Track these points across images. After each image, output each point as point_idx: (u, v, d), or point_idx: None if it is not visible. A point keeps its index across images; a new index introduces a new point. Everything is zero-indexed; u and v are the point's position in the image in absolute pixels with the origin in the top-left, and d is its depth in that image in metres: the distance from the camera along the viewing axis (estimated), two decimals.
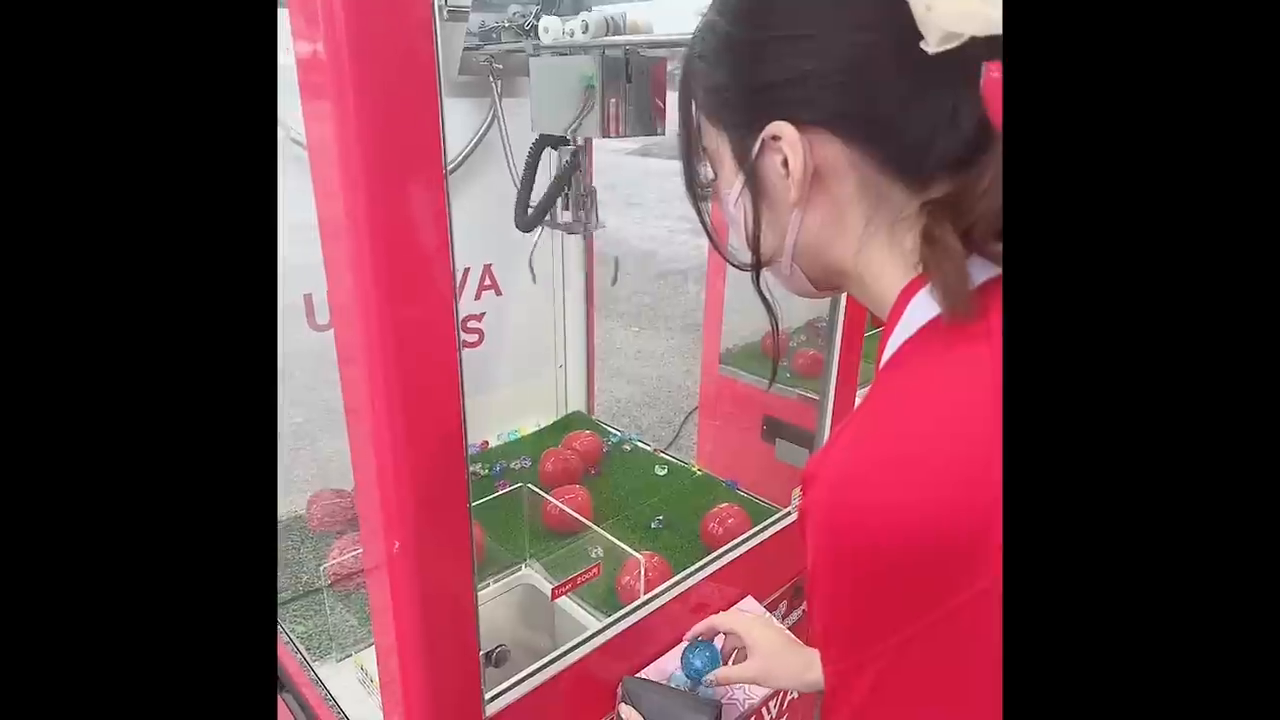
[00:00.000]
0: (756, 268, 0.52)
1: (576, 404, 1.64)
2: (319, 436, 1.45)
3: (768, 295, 0.54)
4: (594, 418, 1.64)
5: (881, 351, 0.45)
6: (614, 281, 1.12)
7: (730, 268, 1.69)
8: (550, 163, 1.05)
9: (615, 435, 1.50)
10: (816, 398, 1.30)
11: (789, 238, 0.48)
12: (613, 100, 0.88)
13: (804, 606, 1.19)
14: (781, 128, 0.44)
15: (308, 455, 1.50)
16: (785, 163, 0.45)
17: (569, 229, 1.03)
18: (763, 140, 0.45)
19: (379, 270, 0.55)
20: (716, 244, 0.58)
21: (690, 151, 0.52)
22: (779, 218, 0.48)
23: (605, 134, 0.88)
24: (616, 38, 0.86)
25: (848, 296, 1.09)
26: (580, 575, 0.88)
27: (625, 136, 0.91)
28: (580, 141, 0.97)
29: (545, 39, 0.89)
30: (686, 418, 3.11)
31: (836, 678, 0.44)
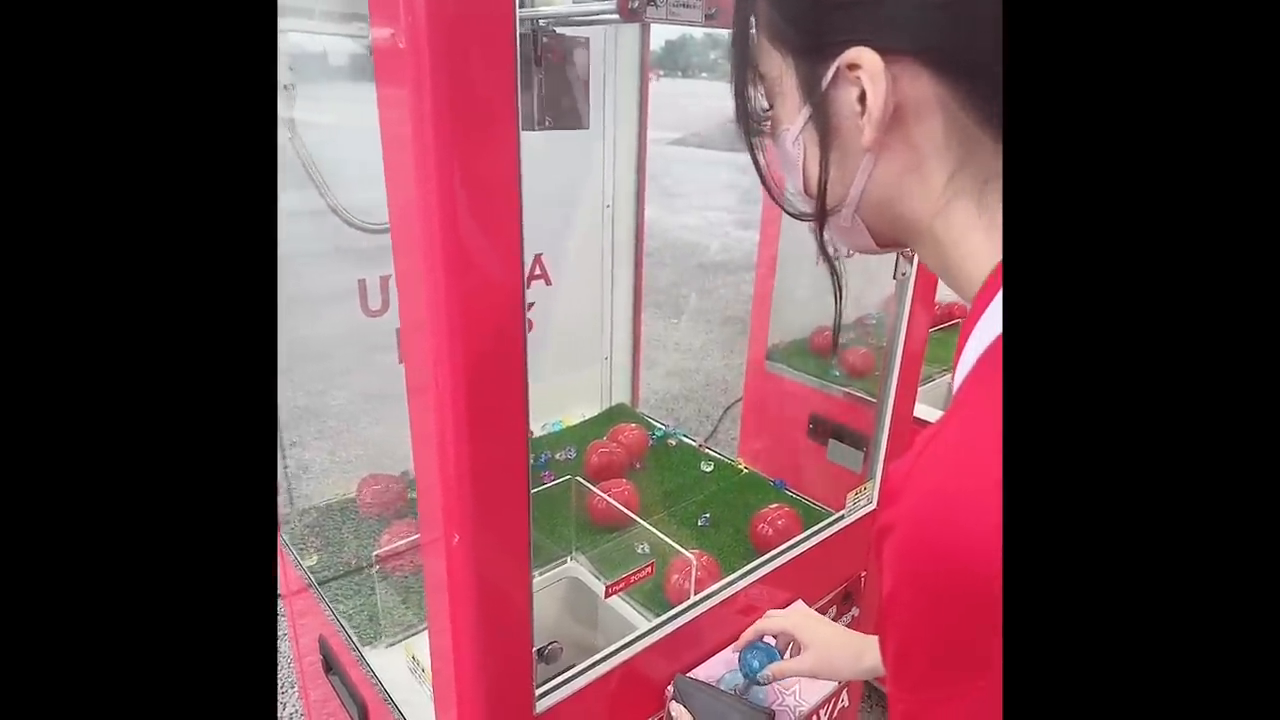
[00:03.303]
0: (820, 218, 0.45)
1: (621, 396, 1.63)
2: (359, 419, 1.47)
3: (833, 256, 0.47)
4: (638, 410, 1.63)
5: (966, 336, 0.40)
6: None
7: (778, 263, 1.66)
8: None
9: (660, 429, 1.48)
10: (866, 397, 1.27)
11: (856, 185, 0.43)
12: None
13: (853, 612, 1.16)
14: (862, 55, 0.38)
15: (349, 438, 1.52)
16: (862, 97, 0.39)
17: None
18: (837, 69, 0.40)
19: (450, 256, 0.53)
20: (771, 189, 0.51)
21: (743, 77, 0.45)
22: (847, 161, 0.42)
23: None
24: (521, 11, 0.72)
25: (913, 290, 1.06)
26: (633, 574, 0.87)
27: (539, 130, 0.74)
28: None
29: None
30: (725, 412, 3.09)
31: (908, 709, 0.39)
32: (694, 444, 1.45)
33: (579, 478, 1.13)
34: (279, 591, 1.29)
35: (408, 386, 0.63)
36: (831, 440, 1.29)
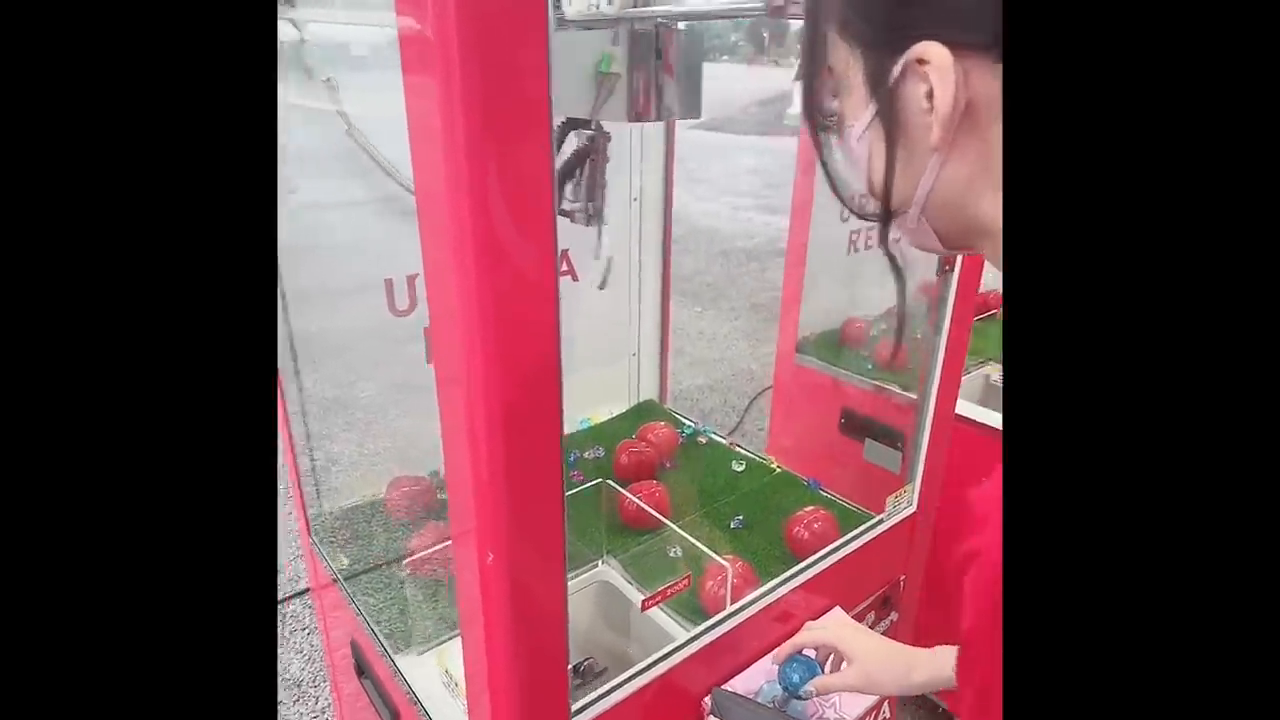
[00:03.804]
0: (885, 219, 0.43)
1: (649, 392, 1.60)
2: (387, 410, 1.46)
3: (898, 257, 0.45)
4: (666, 407, 1.60)
5: None
6: (601, 285, 1.00)
7: (805, 252, 1.61)
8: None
9: (689, 427, 1.45)
10: (900, 391, 1.22)
11: (923, 186, 0.41)
12: (641, 80, 0.76)
13: (891, 617, 1.13)
14: (930, 49, 0.36)
15: (379, 429, 1.51)
16: (930, 94, 0.37)
17: (570, 216, 0.90)
18: (905, 64, 0.37)
19: (481, 245, 0.50)
20: (836, 188, 0.49)
21: (813, 69, 0.44)
22: (914, 160, 0.40)
23: (632, 118, 0.78)
24: (645, 9, 0.76)
25: (960, 277, 1.01)
26: (670, 587, 0.84)
27: (658, 120, 0.79)
28: (603, 127, 0.84)
29: (569, 11, 0.79)
30: (751, 402, 3.05)
31: None
32: (724, 441, 1.41)
33: (609, 480, 1.11)
34: (309, 587, 1.29)
35: (438, 388, 0.61)
36: (868, 440, 1.25)
